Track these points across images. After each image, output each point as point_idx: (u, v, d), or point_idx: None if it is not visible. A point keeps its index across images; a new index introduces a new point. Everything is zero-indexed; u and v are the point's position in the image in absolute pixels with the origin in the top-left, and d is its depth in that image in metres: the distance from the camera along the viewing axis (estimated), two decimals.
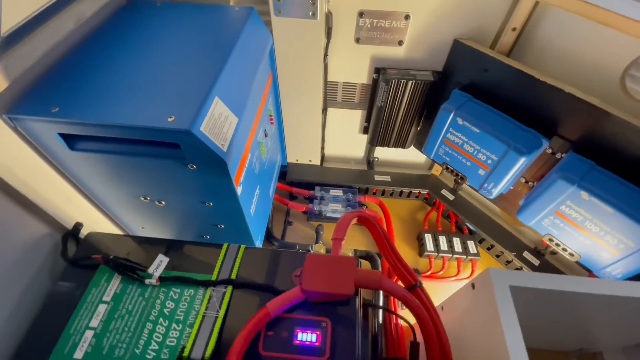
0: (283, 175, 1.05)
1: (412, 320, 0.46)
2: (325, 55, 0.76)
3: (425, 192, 1.02)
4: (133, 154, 0.47)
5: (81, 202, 0.57)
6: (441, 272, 0.89)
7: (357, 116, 0.94)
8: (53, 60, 0.48)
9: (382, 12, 0.68)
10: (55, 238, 0.50)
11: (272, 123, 0.79)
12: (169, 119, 0.41)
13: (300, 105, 0.86)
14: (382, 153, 1.05)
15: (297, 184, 1.04)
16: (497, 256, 0.91)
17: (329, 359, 0.40)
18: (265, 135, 0.74)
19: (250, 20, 0.61)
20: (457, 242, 0.92)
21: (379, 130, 0.90)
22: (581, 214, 0.58)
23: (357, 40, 0.73)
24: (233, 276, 0.47)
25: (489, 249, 0.92)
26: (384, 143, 0.94)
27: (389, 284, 0.44)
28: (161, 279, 0.46)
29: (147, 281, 0.45)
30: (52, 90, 0.45)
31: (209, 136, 0.43)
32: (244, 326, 0.39)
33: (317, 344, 0.41)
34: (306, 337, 0.42)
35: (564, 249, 0.64)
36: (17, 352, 0.41)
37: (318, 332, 0.42)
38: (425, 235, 0.92)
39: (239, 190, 0.55)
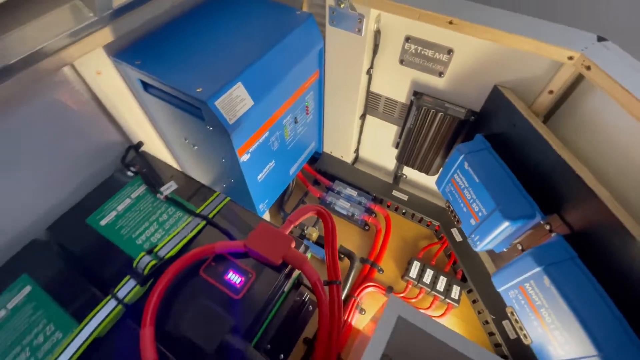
0: (316, 160, 1.17)
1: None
2: (371, 67, 0.82)
3: (437, 225, 1.01)
4: (178, 106, 0.64)
5: (148, 128, 0.79)
6: (413, 300, 0.90)
7: (393, 130, 0.98)
8: (148, 29, 0.68)
9: (427, 41, 0.70)
10: (123, 147, 0.73)
11: (307, 113, 0.90)
12: (197, 90, 0.56)
13: (340, 106, 0.94)
14: (412, 173, 1.07)
15: (323, 173, 1.14)
16: (479, 312, 0.87)
17: (240, 299, 0.52)
18: (295, 122, 0.86)
19: (305, 23, 0.72)
20: (442, 281, 0.91)
21: (406, 150, 0.93)
22: (540, 299, 0.55)
23: (401, 62, 0.77)
24: (210, 216, 0.62)
25: (473, 302, 0.89)
26: (409, 163, 0.96)
27: (309, 269, 0.53)
28: (167, 198, 0.64)
29: (158, 195, 0.64)
30: (142, 48, 0.65)
31: (221, 110, 0.57)
32: (196, 249, 0.54)
33: (238, 285, 0.54)
34: (234, 277, 0.55)
35: (520, 328, 0.61)
36: (72, 208, 0.65)
37: (243, 278, 0.54)
38: (415, 261, 0.94)
39: (244, 158, 0.69)
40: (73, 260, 0.57)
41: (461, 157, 0.70)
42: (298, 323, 0.61)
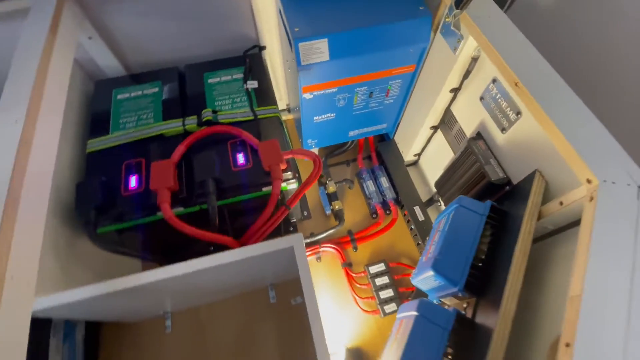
0: (383, 140, 1.26)
1: None
2: (458, 89, 0.83)
3: None
4: (286, 34, 0.85)
5: (274, 40, 1.04)
6: (358, 285, 1.03)
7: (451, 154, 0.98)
8: None
9: (507, 92, 0.68)
10: (250, 43, 1.00)
11: (386, 95, 0.99)
12: (295, 29, 0.75)
13: (418, 107, 0.99)
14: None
15: (378, 153, 1.24)
16: None
17: (233, 172, 0.77)
18: (370, 96, 0.96)
19: (420, 20, 0.78)
20: (388, 293, 0.99)
21: (443, 180, 0.94)
22: (402, 333, 0.63)
23: (481, 99, 0.77)
24: (259, 117, 0.85)
25: None
26: (440, 192, 0.98)
27: (277, 185, 0.73)
28: (247, 89, 0.90)
29: (244, 84, 0.90)
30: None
31: (300, 51, 0.75)
32: (233, 128, 0.80)
33: (239, 164, 0.78)
34: (241, 158, 0.78)
35: None
36: (199, 63, 0.97)
37: (244, 163, 0.78)
38: (383, 264, 1.03)
39: (306, 95, 0.87)
40: (182, 90, 0.91)
41: (455, 206, 0.72)
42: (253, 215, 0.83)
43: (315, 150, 1.24)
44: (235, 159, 0.78)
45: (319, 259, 1.07)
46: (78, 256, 0.75)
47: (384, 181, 1.18)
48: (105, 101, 0.86)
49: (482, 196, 0.81)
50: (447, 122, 0.96)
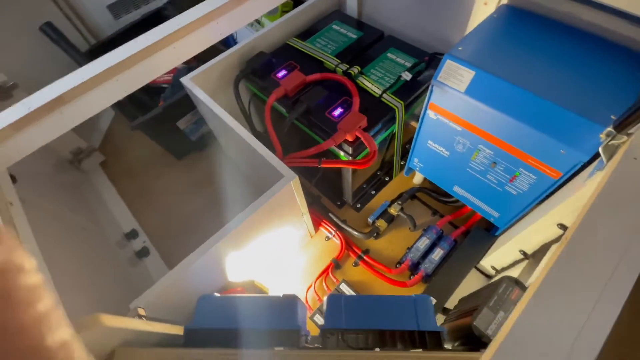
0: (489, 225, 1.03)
1: None
2: None
3: None
4: None
5: None
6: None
7: None
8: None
9: None
10: None
11: (510, 180, 0.80)
12: (459, 48, 0.72)
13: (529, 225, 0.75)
14: None
15: (468, 233, 1.04)
16: None
17: (327, 118, 0.91)
18: (491, 166, 0.81)
19: (590, 122, 0.57)
20: None
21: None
22: None
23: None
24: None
25: None
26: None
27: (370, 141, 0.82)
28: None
29: None
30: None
31: (445, 65, 0.72)
32: (349, 82, 0.91)
33: (335, 115, 0.91)
34: (337, 111, 0.91)
35: None
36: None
37: (338, 113, 0.90)
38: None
39: (430, 114, 0.84)
40: (368, 47, 1.06)
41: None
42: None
43: (420, 178, 1.17)
44: (333, 109, 0.91)
45: (327, 238, 1.12)
46: None
47: (437, 255, 1.01)
48: (322, 23, 1.14)
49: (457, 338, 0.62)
50: (536, 257, 0.70)
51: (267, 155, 0.76)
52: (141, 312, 0.54)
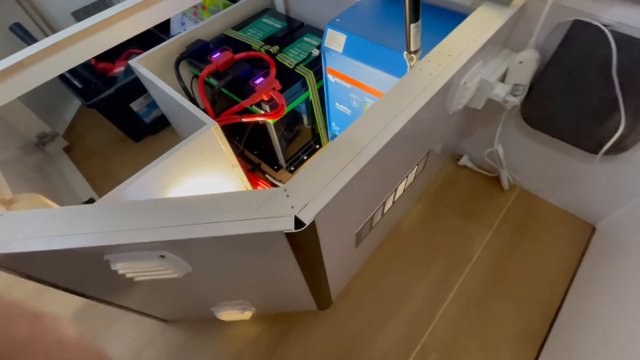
0: None
1: None
2: None
3: None
4: None
5: None
6: None
7: None
8: None
9: None
10: None
11: None
12: (337, 20, 0.94)
13: None
14: None
15: None
16: None
17: (249, 84, 1.11)
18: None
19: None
20: None
21: None
22: None
23: None
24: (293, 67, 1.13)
25: None
26: None
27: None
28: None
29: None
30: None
31: (328, 34, 0.94)
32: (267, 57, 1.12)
33: (256, 82, 1.11)
34: (259, 80, 1.11)
35: None
36: None
37: (260, 81, 1.10)
38: None
39: (331, 78, 1.06)
40: (289, 34, 1.29)
41: None
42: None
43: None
44: (255, 78, 1.12)
45: None
46: None
47: None
48: (255, 18, 1.37)
49: None
50: None
51: (190, 107, 0.94)
52: None
